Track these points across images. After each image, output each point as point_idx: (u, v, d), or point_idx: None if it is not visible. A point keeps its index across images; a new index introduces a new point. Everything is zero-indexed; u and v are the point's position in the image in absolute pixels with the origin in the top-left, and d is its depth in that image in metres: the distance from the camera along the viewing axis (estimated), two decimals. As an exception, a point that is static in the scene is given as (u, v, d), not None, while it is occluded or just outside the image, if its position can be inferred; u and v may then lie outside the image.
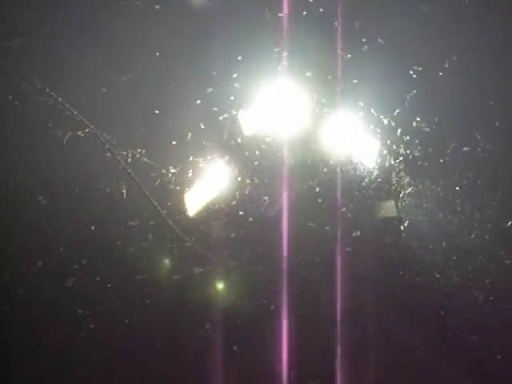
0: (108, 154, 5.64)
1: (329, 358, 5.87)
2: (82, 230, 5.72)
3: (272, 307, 5.93)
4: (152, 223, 5.75)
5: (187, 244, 5.81)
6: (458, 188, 5.96)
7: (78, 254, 5.69)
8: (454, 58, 5.91)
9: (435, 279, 5.99)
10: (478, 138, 5.94)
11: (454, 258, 5.96)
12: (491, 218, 5.97)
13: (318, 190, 6.00)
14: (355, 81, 5.85)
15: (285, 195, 5.97)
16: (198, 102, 5.77)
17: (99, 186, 5.69)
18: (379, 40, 5.84)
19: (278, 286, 6.02)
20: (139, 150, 5.70)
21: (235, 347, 5.86)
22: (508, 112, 5.90)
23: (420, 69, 5.88)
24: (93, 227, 5.71)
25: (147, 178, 5.72)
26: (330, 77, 5.83)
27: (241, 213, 5.96)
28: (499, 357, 5.89)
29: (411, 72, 5.92)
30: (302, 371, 5.81)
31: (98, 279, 5.76)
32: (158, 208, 5.71)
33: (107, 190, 5.70)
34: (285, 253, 6.02)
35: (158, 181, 5.77)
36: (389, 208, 5.93)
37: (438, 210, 5.99)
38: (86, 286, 5.74)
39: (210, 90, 5.77)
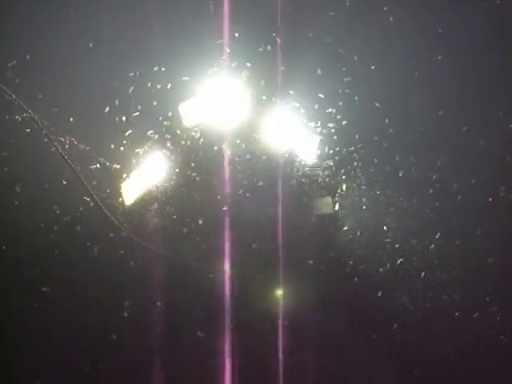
0: (45, 140, 5.58)
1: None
2: (17, 214, 5.68)
3: (209, 302, 5.98)
4: (87, 211, 5.72)
5: (123, 234, 5.79)
6: (393, 187, 6.01)
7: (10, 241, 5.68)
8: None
9: (371, 273, 6.05)
10: (411, 141, 6.00)
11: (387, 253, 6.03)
12: (426, 219, 6.02)
13: (258, 183, 6.04)
14: (296, 75, 5.87)
15: (225, 188, 5.99)
16: (138, 91, 5.77)
17: (35, 171, 5.64)
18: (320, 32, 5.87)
19: (218, 280, 6.04)
20: (77, 137, 5.66)
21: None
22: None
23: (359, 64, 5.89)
24: (28, 212, 5.68)
25: (84, 164, 5.69)
26: (270, 70, 5.85)
27: (180, 203, 5.96)
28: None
29: (356, 66, 5.94)
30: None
31: (37, 270, 5.75)
32: (95, 196, 5.67)
33: (43, 176, 5.66)
34: (226, 246, 6.04)
35: (96, 167, 5.74)
36: (325, 204, 5.95)
37: (374, 208, 6.04)
38: (23, 276, 5.73)
39: (150, 82, 5.76)
